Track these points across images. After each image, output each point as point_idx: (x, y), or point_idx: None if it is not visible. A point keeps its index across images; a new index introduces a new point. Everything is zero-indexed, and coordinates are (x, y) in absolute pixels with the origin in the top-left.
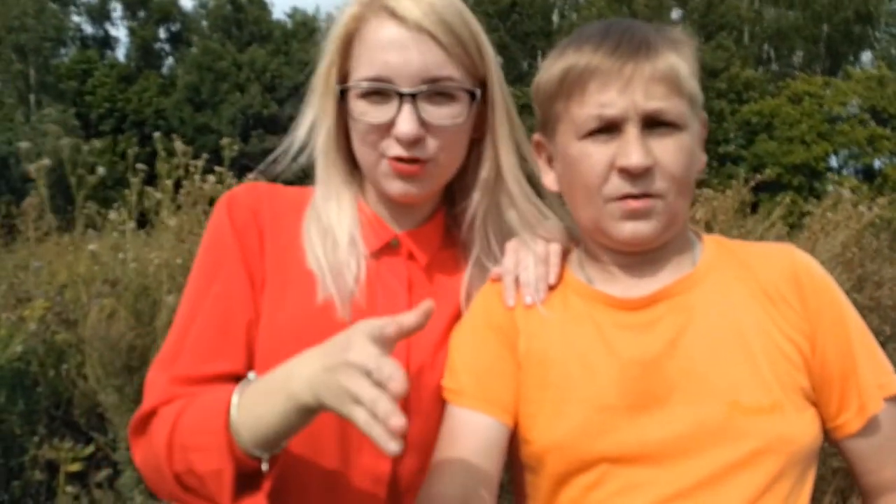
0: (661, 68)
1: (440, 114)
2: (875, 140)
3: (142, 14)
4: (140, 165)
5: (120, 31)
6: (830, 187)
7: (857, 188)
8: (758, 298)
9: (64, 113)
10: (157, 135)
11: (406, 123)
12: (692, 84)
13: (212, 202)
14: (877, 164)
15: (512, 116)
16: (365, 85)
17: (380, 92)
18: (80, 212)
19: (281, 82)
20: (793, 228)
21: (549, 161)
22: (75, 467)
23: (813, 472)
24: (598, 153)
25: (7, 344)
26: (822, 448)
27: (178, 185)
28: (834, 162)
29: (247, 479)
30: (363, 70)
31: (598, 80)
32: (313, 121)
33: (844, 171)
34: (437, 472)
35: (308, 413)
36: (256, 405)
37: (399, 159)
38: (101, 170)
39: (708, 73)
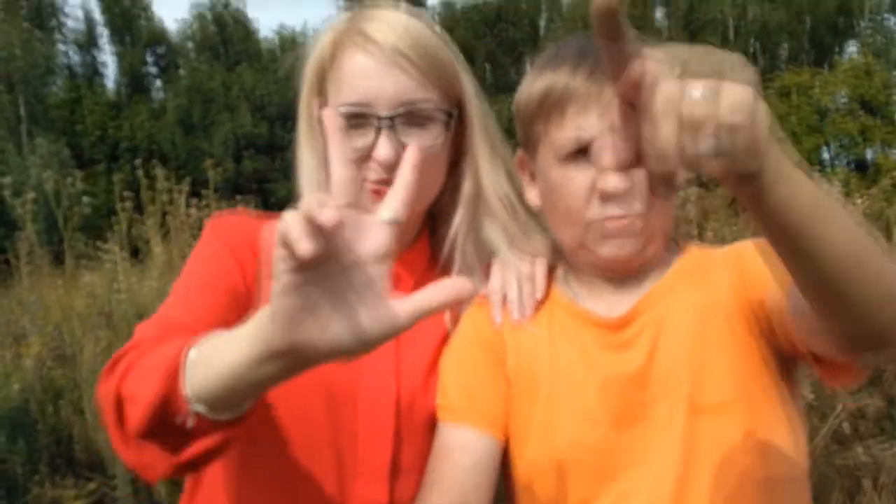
0: None
1: (418, 138)
2: (866, 130)
3: (128, 39)
4: (126, 194)
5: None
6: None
7: (849, 179)
8: (713, 298)
9: (55, 143)
10: (137, 162)
11: (384, 147)
12: None
13: (201, 228)
14: (869, 154)
15: (492, 135)
16: (343, 110)
17: (358, 117)
18: (69, 246)
19: (270, 100)
20: None
21: (533, 177)
22: None
23: (793, 463)
24: (578, 177)
25: (4, 384)
26: (826, 447)
27: (165, 213)
28: (826, 154)
29: (176, 437)
30: (341, 96)
31: (577, 103)
32: (301, 147)
33: (837, 163)
34: (430, 489)
35: (269, 361)
36: (219, 345)
37: (380, 182)
38: (85, 199)
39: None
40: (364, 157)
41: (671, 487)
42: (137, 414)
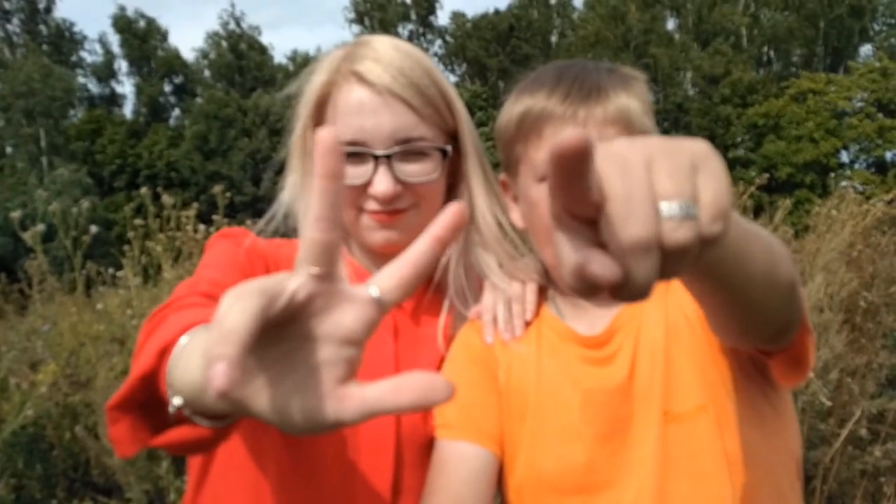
0: (612, 111)
1: (414, 171)
2: (884, 132)
3: (146, 69)
4: (138, 221)
5: (126, 88)
6: (844, 182)
7: (869, 181)
8: (676, 307)
9: (77, 172)
10: (143, 190)
11: (382, 183)
12: (645, 122)
13: None
14: (888, 155)
15: (483, 163)
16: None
17: (355, 154)
18: (78, 273)
19: (286, 125)
20: (806, 230)
21: (515, 199)
22: None
23: (775, 461)
24: None
25: (20, 409)
26: (846, 452)
27: (174, 238)
28: (845, 157)
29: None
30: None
31: (554, 124)
32: (294, 183)
33: (856, 166)
34: (429, 502)
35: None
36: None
37: (378, 213)
38: (93, 228)
39: (707, 81)
40: (362, 190)
41: (651, 497)
42: (123, 387)
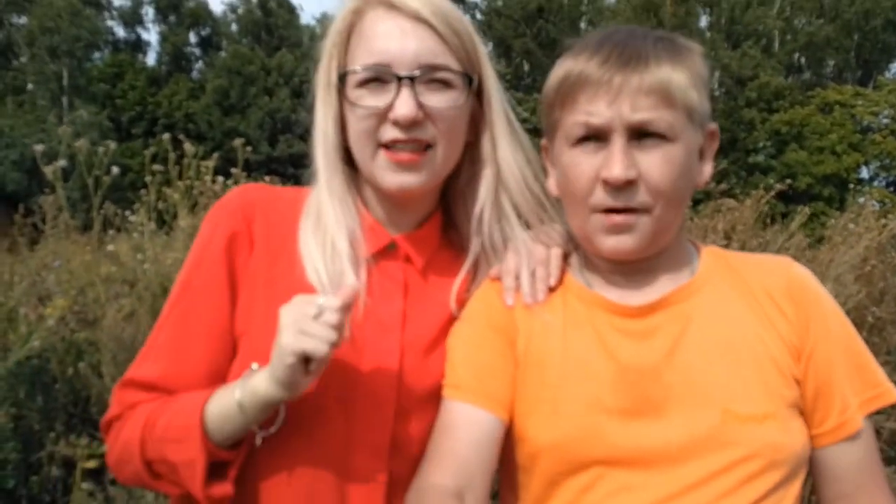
0: (650, 81)
1: (437, 99)
2: None
3: (173, 18)
4: (157, 167)
5: (151, 35)
6: (862, 199)
7: (887, 199)
8: (752, 309)
9: (97, 115)
10: (165, 136)
11: (404, 105)
12: (690, 95)
13: None
14: None
15: (509, 116)
16: (363, 71)
17: (378, 79)
18: (97, 213)
19: (309, 87)
20: (820, 241)
21: (553, 165)
22: (91, 464)
23: (800, 481)
24: (585, 163)
25: (26, 340)
26: None
27: (192, 187)
28: (865, 173)
29: (215, 467)
30: (362, 58)
31: (588, 90)
32: (317, 111)
33: (876, 183)
34: (432, 464)
35: (269, 406)
36: (222, 417)
37: (396, 142)
38: (115, 170)
39: (735, 82)
40: (382, 116)
41: (682, 487)
42: (196, 479)
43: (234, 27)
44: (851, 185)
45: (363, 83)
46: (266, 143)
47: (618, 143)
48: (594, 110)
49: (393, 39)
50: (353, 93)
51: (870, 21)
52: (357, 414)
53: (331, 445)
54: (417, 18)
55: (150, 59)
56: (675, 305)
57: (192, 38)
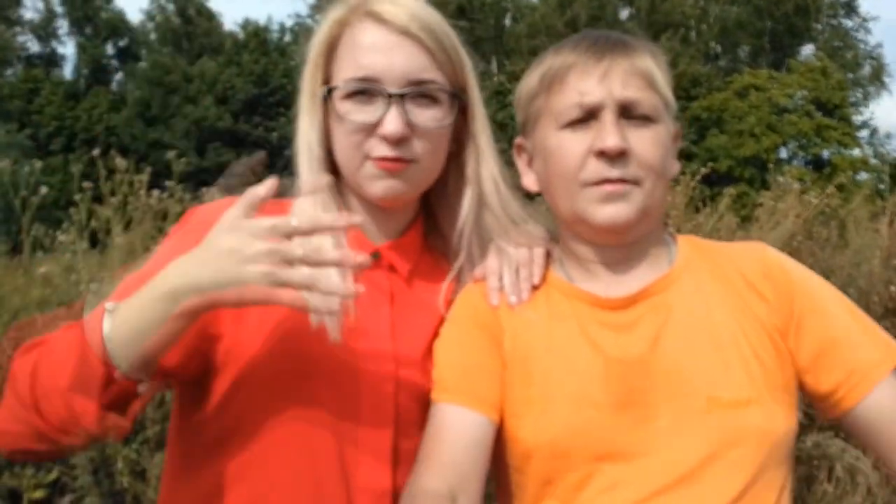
0: (638, 64)
1: (425, 116)
2: (822, 130)
3: (89, 30)
4: (86, 184)
5: (67, 48)
6: (781, 178)
7: (804, 177)
8: (730, 296)
9: (16, 133)
10: (95, 152)
11: (393, 123)
12: (666, 89)
13: (165, 217)
14: (825, 153)
15: (489, 127)
16: (353, 85)
17: (365, 92)
18: (26, 235)
19: (234, 94)
20: (745, 221)
21: (529, 162)
22: (38, 494)
23: (788, 468)
24: (575, 140)
25: None
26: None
27: (126, 202)
28: (784, 153)
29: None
30: (349, 71)
31: (578, 72)
32: (301, 120)
33: (794, 162)
34: (423, 467)
35: (190, 318)
36: (131, 319)
37: (384, 159)
38: (44, 189)
39: None
40: (370, 131)
41: (675, 478)
42: (91, 403)
43: (153, 36)
44: (771, 166)
45: (350, 95)
46: (195, 153)
47: (609, 117)
48: (586, 89)
49: (381, 54)
50: (341, 106)
51: (780, 6)
52: (357, 425)
53: (331, 459)
54: (406, 33)
55: (67, 72)
56: (655, 296)
57: (110, 49)
